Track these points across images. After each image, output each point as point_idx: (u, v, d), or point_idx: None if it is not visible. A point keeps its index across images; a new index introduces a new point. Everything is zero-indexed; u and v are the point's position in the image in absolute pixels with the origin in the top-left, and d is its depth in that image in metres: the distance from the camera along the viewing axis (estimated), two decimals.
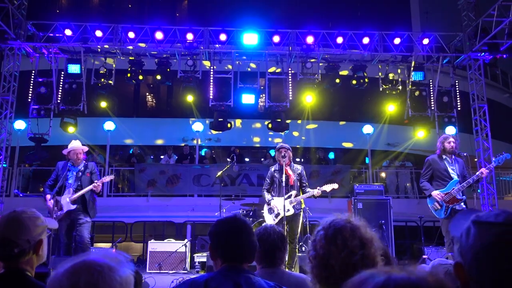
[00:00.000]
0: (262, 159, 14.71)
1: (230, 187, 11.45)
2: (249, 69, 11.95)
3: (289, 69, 10.83)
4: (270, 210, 6.29)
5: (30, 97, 10.42)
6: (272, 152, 11.83)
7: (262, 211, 6.80)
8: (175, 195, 11.92)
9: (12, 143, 10.53)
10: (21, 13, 10.18)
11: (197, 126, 13.35)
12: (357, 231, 1.59)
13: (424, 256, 7.62)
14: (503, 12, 9.53)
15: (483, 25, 10.08)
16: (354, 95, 14.16)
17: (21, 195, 11.07)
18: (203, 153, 13.75)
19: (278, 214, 6.13)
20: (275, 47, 10.64)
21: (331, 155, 16.81)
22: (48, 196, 6.21)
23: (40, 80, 10.54)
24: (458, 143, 6.13)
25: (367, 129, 13.03)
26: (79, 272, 1.12)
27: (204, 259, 8.00)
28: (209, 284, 1.94)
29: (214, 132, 12.42)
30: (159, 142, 16.36)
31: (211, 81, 10.62)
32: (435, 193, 5.87)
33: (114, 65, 10.96)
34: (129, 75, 10.80)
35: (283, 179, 6.02)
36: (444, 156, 6.04)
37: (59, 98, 10.44)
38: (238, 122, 15.79)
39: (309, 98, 11.09)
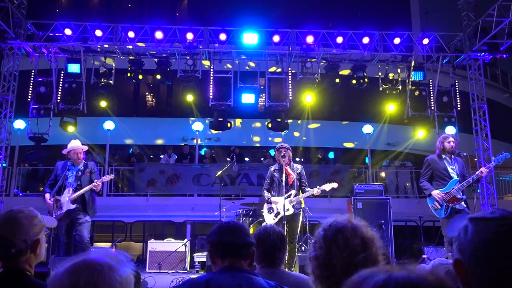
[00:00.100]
0: (262, 159, 14.71)
1: (230, 187, 11.45)
2: (247, 68, 11.93)
3: (289, 68, 10.83)
4: (270, 210, 6.29)
5: (30, 97, 10.41)
6: (272, 152, 11.83)
7: (262, 210, 6.80)
8: (175, 195, 11.92)
9: (11, 142, 10.53)
10: (21, 12, 10.17)
11: (197, 125, 13.35)
12: (359, 230, 1.59)
13: (424, 256, 7.62)
14: (503, 12, 9.53)
15: (483, 25, 10.08)
16: (354, 95, 14.16)
17: (20, 194, 11.07)
18: (203, 153, 13.75)
19: (278, 213, 6.13)
20: (275, 46, 10.64)
21: (331, 155, 16.81)
22: (48, 195, 6.22)
23: (40, 79, 10.53)
24: (457, 143, 6.13)
25: (367, 129, 13.04)
26: (79, 271, 1.12)
27: (204, 259, 8.00)
28: (210, 284, 1.95)
29: (214, 131, 12.42)
30: (159, 141, 16.36)
31: (211, 80, 10.62)
32: (435, 193, 5.87)
33: (114, 65, 10.96)
34: (129, 74, 10.80)
35: (283, 178, 6.02)
36: (443, 156, 6.04)
37: (58, 98, 10.43)
38: (238, 121, 15.80)
39: (309, 98, 11.09)
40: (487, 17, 9.89)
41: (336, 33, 10.39)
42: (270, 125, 11.04)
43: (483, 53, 10.42)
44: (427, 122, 11.13)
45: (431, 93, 10.83)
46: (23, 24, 10.14)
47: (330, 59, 11.00)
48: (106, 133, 12.66)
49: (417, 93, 10.95)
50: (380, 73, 11.18)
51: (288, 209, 5.97)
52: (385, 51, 10.63)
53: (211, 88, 10.60)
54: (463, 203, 5.87)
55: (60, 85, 10.49)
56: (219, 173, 8.12)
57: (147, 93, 17.83)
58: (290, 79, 10.69)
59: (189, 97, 11.73)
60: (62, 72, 10.58)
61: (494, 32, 9.84)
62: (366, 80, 10.92)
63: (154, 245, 8.41)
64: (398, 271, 0.87)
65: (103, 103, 11.41)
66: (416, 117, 11.03)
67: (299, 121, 14.95)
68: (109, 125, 12.46)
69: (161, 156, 13.80)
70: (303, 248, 7.77)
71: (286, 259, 5.50)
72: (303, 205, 6.41)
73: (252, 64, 12.02)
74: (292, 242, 6.04)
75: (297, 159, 15.23)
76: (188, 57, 10.74)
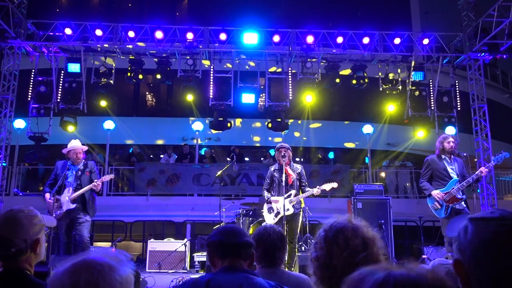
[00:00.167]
0: (262, 159, 14.72)
1: (230, 187, 11.44)
2: (247, 67, 11.92)
3: (289, 68, 10.83)
4: (270, 209, 6.29)
5: (30, 96, 10.41)
6: (272, 152, 11.83)
7: (262, 210, 6.80)
8: (175, 195, 11.92)
9: (11, 142, 10.53)
10: (21, 12, 10.17)
11: (197, 125, 13.34)
12: (359, 230, 1.59)
13: (423, 256, 7.62)
14: (503, 13, 9.53)
15: (483, 25, 10.08)
16: (354, 95, 14.16)
17: (20, 194, 11.07)
18: (203, 153, 13.75)
19: (277, 213, 6.13)
20: (275, 46, 10.64)
21: (331, 155, 16.82)
22: (48, 195, 6.22)
23: (40, 79, 10.53)
24: (457, 143, 6.13)
25: (367, 129, 13.03)
26: (79, 271, 1.12)
27: (204, 259, 8.00)
28: (210, 283, 1.95)
29: (214, 131, 12.41)
30: (159, 141, 16.36)
31: (211, 80, 10.62)
32: (435, 193, 5.88)
33: (114, 64, 10.95)
34: (129, 74, 10.79)
35: (283, 178, 6.02)
36: (443, 156, 6.04)
37: (59, 97, 10.43)
38: (238, 121, 15.79)
39: (309, 98, 11.09)
40: (487, 18, 9.89)
41: (336, 33, 10.39)
42: (270, 125, 11.04)
43: (483, 54, 10.42)
44: (427, 122, 11.13)
45: (431, 93, 10.83)
46: (23, 23, 10.14)
47: (330, 59, 11.00)
48: (106, 133, 12.66)
49: (417, 93, 10.95)
50: (380, 73, 11.18)
51: (288, 209, 5.97)
52: (385, 51, 10.63)
53: (211, 88, 10.60)
54: (463, 203, 5.87)
55: (60, 84, 10.49)
56: (219, 173, 8.12)
57: (147, 93, 17.83)
58: (290, 79, 10.69)
59: (189, 97, 11.73)
60: (62, 71, 10.58)
61: (494, 33, 9.84)
62: (366, 80, 10.92)
63: (154, 245, 8.41)
64: (398, 269, 0.87)
65: (103, 103, 11.40)
66: (416, 117, 11.03)
67: (299, 121, 14.95)
68: (109, 124, 12.45)
69: (161, 156, 13.80)
70: (303, 248, 7.77)
71: (286, 259, 5.50)
72: (303, 205, 6.41)
73: (252, 63, 12.02)
74: (292, 242, 6.03)
75: (297, 159, 15.24)
76: (188, 57, 10.74)
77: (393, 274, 0.85)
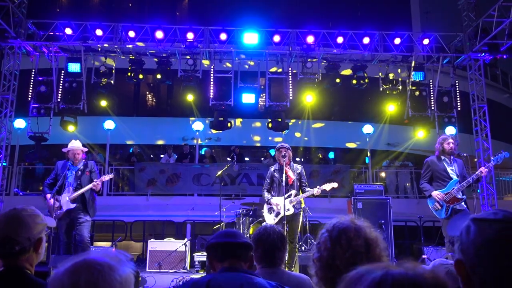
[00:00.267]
0: (262, 159, 14.71)
1: (230, 187, 11.44)
2: (246, 66, 11.90)
3: (289, 68, 10.83)
4: (270, 210, 6.29)
5: (30, 96, 10.42)
6: (272, 152, 11.83)
7: (262, 210, 6.81)
8: (175, 194, 11.92)
9: (12, 141, 10.53)
10: (21, 11, 10.17)
11: (197, 125, 13.35)
12: (362, 231, 1.58)
13: (423, 256, 7.63)
14: (503, 13, 9.53)
15: (483, 25, 10.08)
16: (354, 95, 14.16)
17: (21, 193, 11.08)
18: (203, 152, 13.76)
19: (278, 214, 6.13)
20: (275, 46, 10.64)
21: (331, 155, 16.82)
22: (48, 195, 6.22)
23: (40, 78, 10.54)
24: (457, 144, 6.13)
25: (367, 129, 13.03)
26: (79, 271, 1.12)
27: (204, 259, 8.00)
28: (211, 284, 1.95)
29: (214, 131, 12.41)
30: (159, 141, 16.36)
31: (211, 80, 10.62)
32: (435, 193, 5.88)
33: (114, 64, 10.95)
34: (129, 74, 10.79)
35: (283, 178, 6.02)
36: (442, 157, 6.05)
37: (59, 97, 10.43)
38: (238, 121, 15.79)
39: (309, 98, 11.09)
40: (488, 18, 9.89)
41: (336, 33, 10.39)
42: (270, 125, 11.05)
43: (483, 54, 10.43)
44: (427, 123, 11.13)
45: (431, 93, 10.83)
46: (24, 23, 10.15)
47: (331, 59, 11.00)
48: (106, 133, 12.66)
49: (417, 93, 10.95)
50: (380, 73, 11.18)
51: (288, 209, 5.97)
52: (386, 51, 10.63)
53: (211, 88, 10.60)
54: (463, 203, 5.87)
55: (61, 84, 10.49)
56: (219, 172, 8.13)
57: (147, 93, 17.83)
58: (290, 79, 10.69)
59: (190, 97, 11.72)
60: (63, 71, 10.59)
61: (494, 33, 9.84)
62: (366, 80, 10.92)
63: (154, 245, 8.42)
64: (395, 268, 0.87)
65: (103, 103, 11.41)
66: (416, 117, 11.03)
67: (299, 121, 14.95)
68: (109, 124, 12.45)
69: (161, 156, 13.80)
70: (303, 248, 7.78)
71: (286, 259, 5.50)
72: (303, 205, 6.42)
73: (251, 62, 12.00)
74: (293, 242, 6.03)
75: (298, 159, 15.24)
76: (189, 57, 10.74)
77: (391, 273, 0.85)
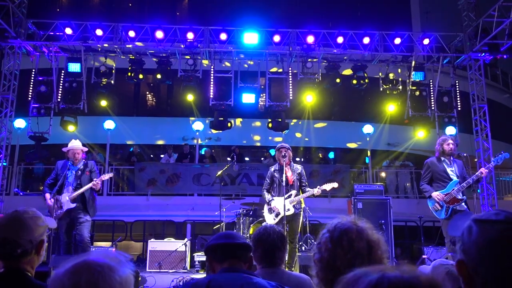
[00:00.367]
0: (262, 159, 14.72)
1: (230, 187, 11.44)
2: (246, 66, 11.90)
3: (290, 68, 10.83)
4: (270, 210, 6.30)
5: (30, 96, 10.42)
6: (272, 152, 11.83)
7: (262, 210, 6.81)
8: (175, 194, 11.92)
9: (12, 141, 10.54)
10: (21, 11, 10.17)
11: (197, 125, 13.35)
12: (364, 233, 1.57)
13: (423, 256, 7.63)
14: (503, 13, 9.53)
15: (483, 25, 10.08)
16: (355, 95, 14.16)
17: (21, 193, 11.08)
18: (203, 152, 13.76)
19: (278, 214, 6.13)
20: (275, 46, 10.64)
21: (331, 155, 16.82)
22: (48, 195, 6.22)
23: (40, 78, 10.54)
24: (457, 145, 6.14)
25: (367, 129, 13.03)
26: (80, 271, 1.12)
27: (204, 258, 8.00)
28: (211, 284, 1.95)
29: (214, 131, 12.42)
30: (159, 141, 16.37)
31: (212, 80, 10.63)
32: (435, 194, 5.89)
33: (114, 64, 10.95)
34: (129, 74, 10.80)
35: (283, 178, 6.02)
36: (442, 158, 6.05)
37: (59, 97, 10.44)
38: (238, 121, 15.80)
39: (309, 98, 11.09)
40: (488, 18, 9.89)
41: (336, 33, 10.39)
42: (270, 125, 11.05)
43: (483, 54, 10.43)
44: (428, 123, 11.13)
45: (432, 93, 10.83)
46: (24, 23, 10.15)
47: (331, 59, 11.00)
48: (106, 133, 12.67)
49: (417, 93, 10.95)
50: (380, 73, 11.18)
51: (288, 209, 5.97)
52: (386, 51, 10.63)
53: (211, 88, 10.60)
54: (463, 204, 5.88)
55: (61, 84, 10.49)
56: (219, 172, 8.13)
57: (147, 93, 17.83)
58: (290, 79, 10.69)
59: (190, 97, 11.72)
60: (63, 71, 10.59)
61: (494, 33, 9.84)
62: (366, 80, 10.92)
63: (154, 245, 8.42)
64: (392, 270, 0.88)
65: (103, 103, 11.41)
66: (416, 117, 11.03)
67: (299, 121, 14.95)
68: (109, 124, 12.46)
69: (161, 156, 13.81)
70: (303, 248, 7.78)
71: (287, 259, 5.50)
72: (303, 205, 6.42)
73: (250, 62, 12.00)
74: (293, 242, 6.04)
75: (298, 159, 15.24)
76: (189, 57, 10.74)
77: (387, 276, 0.86)
